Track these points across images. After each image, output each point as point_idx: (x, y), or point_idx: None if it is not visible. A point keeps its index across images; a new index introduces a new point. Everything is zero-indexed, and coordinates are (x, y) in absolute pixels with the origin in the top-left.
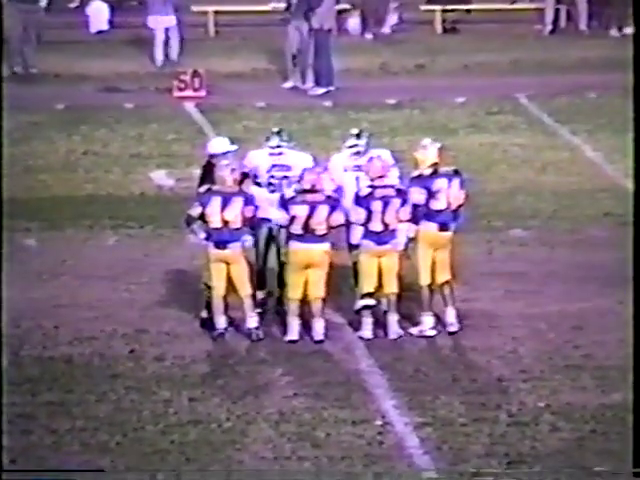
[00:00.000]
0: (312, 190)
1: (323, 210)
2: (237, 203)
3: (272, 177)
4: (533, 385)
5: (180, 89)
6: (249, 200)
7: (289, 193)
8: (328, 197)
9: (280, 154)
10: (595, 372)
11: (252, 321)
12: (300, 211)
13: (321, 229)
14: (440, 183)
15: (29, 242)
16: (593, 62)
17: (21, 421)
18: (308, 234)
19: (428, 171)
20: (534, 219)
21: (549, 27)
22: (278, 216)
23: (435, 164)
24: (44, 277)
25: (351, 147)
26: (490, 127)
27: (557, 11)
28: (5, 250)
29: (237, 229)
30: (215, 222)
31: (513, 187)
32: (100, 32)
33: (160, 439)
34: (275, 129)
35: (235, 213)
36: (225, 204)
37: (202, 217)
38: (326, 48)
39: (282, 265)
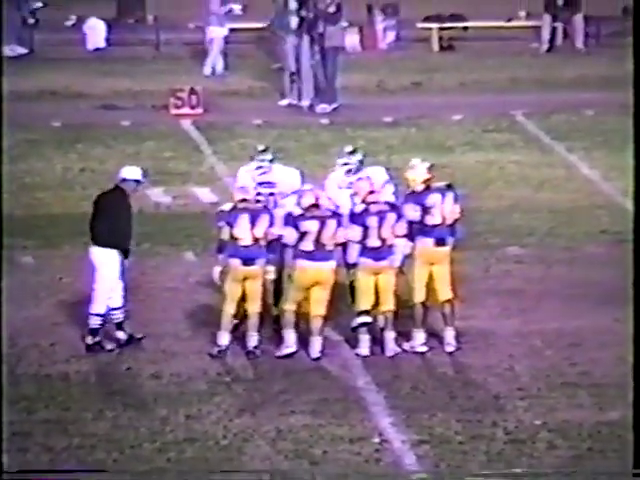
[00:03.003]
0: (317, 205)
1: (332, 225)
2: (264, 220)
3: (259, 194)
4: (530, 403)
5: (177, 107)
6: (273, 217)
7: (297, 211)
8: (334, 212)
9: (265, 172)
10: (592, 390)
11: (253, 340)
12: (312, 226)
13: (330, 244)
14: (434, 198)
15: (26, 260)
16: (589, 80)
17: (18, 439)
18: (318, 250)
19: (420, 187)
20: (531, 236)
21: (546, 45)
22: (289, 236)
23: (426, 181)
24: (41, 295)
25: (344, 165)
26: (487, 145)
27: (554, 29)
28: (2, 268)
29: (263, 245)
30: (245, 239)
31: (510, 204)
32: (97, 49)
33: (157, 457)
34: (260, 147)
35: (263, 229)
36: (254, 221)
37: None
38: (335, 65)
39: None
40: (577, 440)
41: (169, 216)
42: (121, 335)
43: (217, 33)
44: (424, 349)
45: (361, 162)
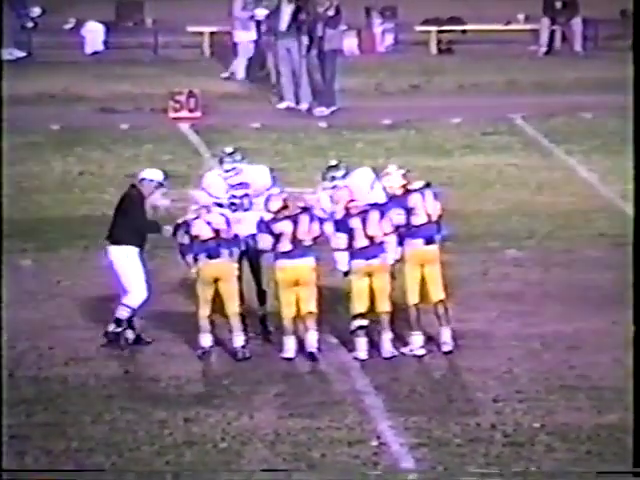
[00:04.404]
0: (286, 206)
1: (305, 220)
2: (219, 218)
3: (233, 197)
4: (528, 405)
5: (175, 110)
6: (227, 216)
7: (266, 216)
8: (303, 208)
9: (237, 174)
10: (591, 392)
11: (239, 340)
12: (286, 227)
13: (307, 240)
14: (415, 199)
15: (25, 263)
16: (588, 83)
17: (16, 442)
18: (296, 249)
19: (400, 191)
20: (529, 239)
21: (544, 48)
22: (264, 241)
23: (403, 186)
24: (39, 298)
25: (332, 180)
26: (485, 148)
27: (552, 32)
28: (0, 271)
29: (225, 240)
30: (205, 235)
31: (508, 207)
32: (95, 53)
33: (155, 460)
34: (228, 149)
35: (222, 225)
36: (209, 221)
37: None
38: (334, 68)
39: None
40: (576, 443)
41: (168, 219)
42: (130, 334)
43: (242, 37)
44: (422, 352)
45: (345, 175)
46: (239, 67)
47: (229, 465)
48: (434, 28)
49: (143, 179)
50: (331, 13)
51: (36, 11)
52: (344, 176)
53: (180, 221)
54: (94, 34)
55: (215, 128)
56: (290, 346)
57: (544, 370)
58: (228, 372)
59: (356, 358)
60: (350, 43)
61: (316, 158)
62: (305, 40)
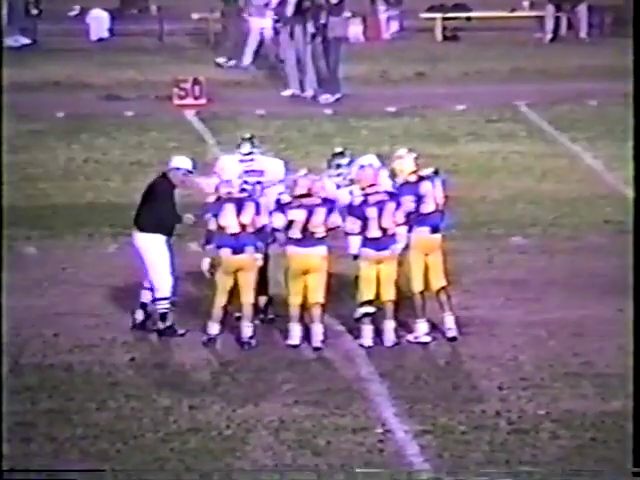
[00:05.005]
0: (308, 194)
1: (320, 213)
2: (250, 207)
3: (245, 182)
4: (533, 393)
5: (180, 97)
6: (259, 205)
7: (285, 198)
8: (324, 200)
9: (252, 160)
10: (595, 380)
11: (248, 330)
12: (298, 215)
13: (319, 232)
14: (426, 186)
15: (29, 250)
16: (593, 70)
17: (21, 429)
18: (306, 238)
19: (413, 177)
20: (534, 227)
21: (549, 35)
22: (276, 220)
23: (414, 172)
24: (44, 285)
25: (337, 168)
26: (490, 135)
27: (557, 19)
28: (5, 258)
29: (252, 233)
30: (233, 228)
31: (513, 195)
32: (100, 40)
33: (160, 447)
34: (246, 135)
35: (250, 217)
36: (240, 209)
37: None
38: (337, 56)
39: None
40: (580, 430)
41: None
42: (161, 326)
43: (256, 24)
44: (428, 339)
45: (350, 162)
46: (247, 53)
47: (234, 452)
48: (439, 15)
49: (172, 168)
50: (335, 1)
51: None
52: (349, 163)
53: (209, 201)
54: (99, 21)
55: (220, 115)
56: (295, 333)
57: (549, 357)
58: (233, 359)
59: (361, 345)
60: (355, 30)
61: (321, 146)
62: (310, 27)
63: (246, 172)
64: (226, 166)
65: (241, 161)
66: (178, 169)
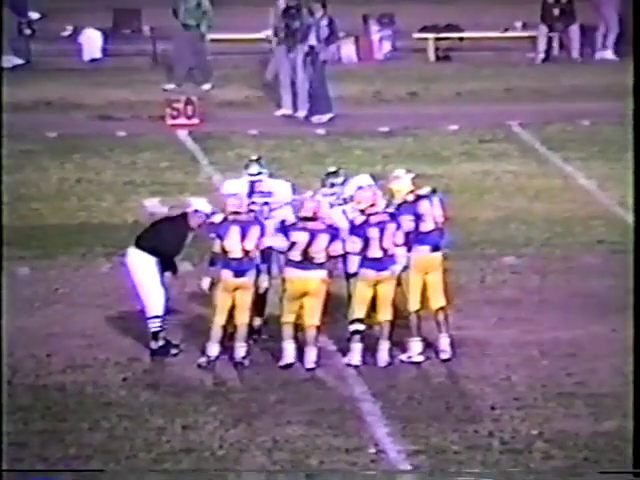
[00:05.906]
0: (313, 218)
1: (323, 239)
2: (255, 231)
3: (253, 203)
4: (526, 413)
5: (173, 117)
6: (264, 227)
7: (290, 219)
8: (329, 226)
9: (260, 181)
10: (588, 400)
11: (241, 350)
12: (300, 238)
13: (320, 257)
14: (424, 205)
15: (22, 270)
16: (586, 90)
17: (14, 449)
18: (306, 261)
19: (410, 197)
20: (527, 247)
21: (542, 55)
22: (278, 241)
23: (411, 192)
24: (37, 305)
25: (331, 186)
26: (483, 155)
27: (550, 39)
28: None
29: (253, 257)
30: (236, 252)
31: (506, 215)
32: (93, 60)
33: (153, 467)
34: (254, 157)
35: (254, 242)
36: (245, 233)
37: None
38: (322, 75)
39: None
40: (573, 450)
41: None
42: (153, 345)
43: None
44: (421, 359)
45: (344, 181)
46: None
47: (227, 473)
48: (432, 35)
49: (192, 210)
50: (325, 22)
51: (35, 15)
52: (343, 183)
53: (214, 221)
54: (92, 41)
55: (213, 135)
56: (289, 352)
57: (542, 377)
58: (226, 379)
59: (349, 364)
60: (348, 50)
61: (314, 165)
62: (301, 48)
63: (254, 193)
64: (231, 190)
65: (250, 182)
66: (196, 212)
